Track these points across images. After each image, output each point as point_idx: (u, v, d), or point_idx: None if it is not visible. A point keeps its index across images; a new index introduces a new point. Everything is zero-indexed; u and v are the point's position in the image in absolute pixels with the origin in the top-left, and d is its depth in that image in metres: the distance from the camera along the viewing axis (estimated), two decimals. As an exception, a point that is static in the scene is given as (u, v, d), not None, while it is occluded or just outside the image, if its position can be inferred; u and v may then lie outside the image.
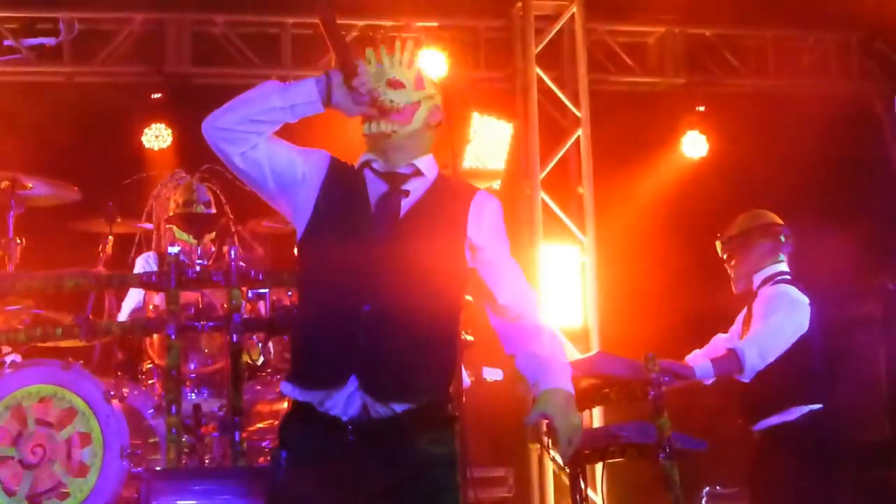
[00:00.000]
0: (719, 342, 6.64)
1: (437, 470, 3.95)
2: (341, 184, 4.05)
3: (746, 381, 6.24)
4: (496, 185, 9.46)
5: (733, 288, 6.75)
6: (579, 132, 10.50)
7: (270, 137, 4.02)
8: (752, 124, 10.71)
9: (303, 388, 3.94)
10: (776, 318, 6.34)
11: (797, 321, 6.36)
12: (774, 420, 6.37)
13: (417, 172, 4.08)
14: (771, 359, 6.22)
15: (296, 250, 4.11)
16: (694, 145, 10.99)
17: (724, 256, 6.76)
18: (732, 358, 6.23)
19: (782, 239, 6.69)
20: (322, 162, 4.09)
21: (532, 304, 4.18)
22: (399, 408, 3.87)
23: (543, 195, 10.36)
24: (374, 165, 4.08)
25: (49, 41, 10.29)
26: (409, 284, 3.91)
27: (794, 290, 6.45)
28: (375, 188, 4.05)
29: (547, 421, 3.98)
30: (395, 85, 4.07)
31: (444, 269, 4.01)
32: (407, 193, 4.04)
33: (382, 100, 4.03)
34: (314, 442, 3.91)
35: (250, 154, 3.98)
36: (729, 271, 6.75)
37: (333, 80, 3.96)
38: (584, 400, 6.49)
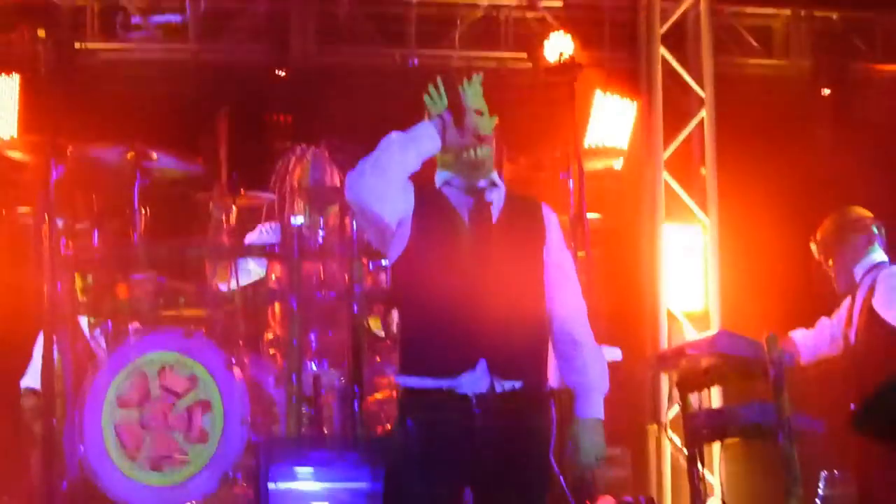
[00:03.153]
0: (824, 325, 6.63)
1: (540, 438, 4.61)
2: (429, 203, 4.55)
3: None
4: (618, 164, 9.39)
5: (836, 287, 6.72)
6: (703, 113, 10.41)
7: None
8: (878, 109, 10.52)
9: (433, 377, 4.43)
10: None
11: None
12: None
13: (493, 184, 4.63)
14: None
15: (392, 267, 4.65)
16: (818, 129, 10.81)
17: (821, 258, 6.75)
18: None
19: (874, 230, 6.67)
20: (408, 187, 4.53)
21: (583, 318, 4.71)
22: (518, 384, 4.45)
23: (666, 176, 10.28)
24: (455, 182, 4.61)
25: (175, 19, 10.41)
26: (512, 278, 4.49)
27: None
28: (460, 202, 4.58)
29: (575, 443, 4.62)
30: (480, 114, 4.61)
31: (536, 264, 4.59)
32: (491, 203, 4.59)
33: (478, 130, 4.55)
34: (440, 415, 4.42)
35: (394, 207, 4.47)
36: (828, 272, 6.73)
37: (447, 120, 4.51)
38: (704, 379, 6.46)
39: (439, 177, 4.65)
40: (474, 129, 4.54)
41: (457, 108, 4.53)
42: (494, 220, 4.56)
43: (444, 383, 4.40)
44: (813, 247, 6.83)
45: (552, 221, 4.70)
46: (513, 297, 4.46)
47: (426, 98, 4.65)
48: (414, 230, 4.50)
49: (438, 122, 4.52)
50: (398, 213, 4.47)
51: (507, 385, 4.42)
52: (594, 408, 4.63)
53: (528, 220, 4.65)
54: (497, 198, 4.62)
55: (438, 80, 4.62)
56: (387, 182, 4.40)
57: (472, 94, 4.61)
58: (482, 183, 4.60)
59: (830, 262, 6.74)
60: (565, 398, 6.57)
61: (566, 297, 4.65)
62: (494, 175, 4.66)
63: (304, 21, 10.51)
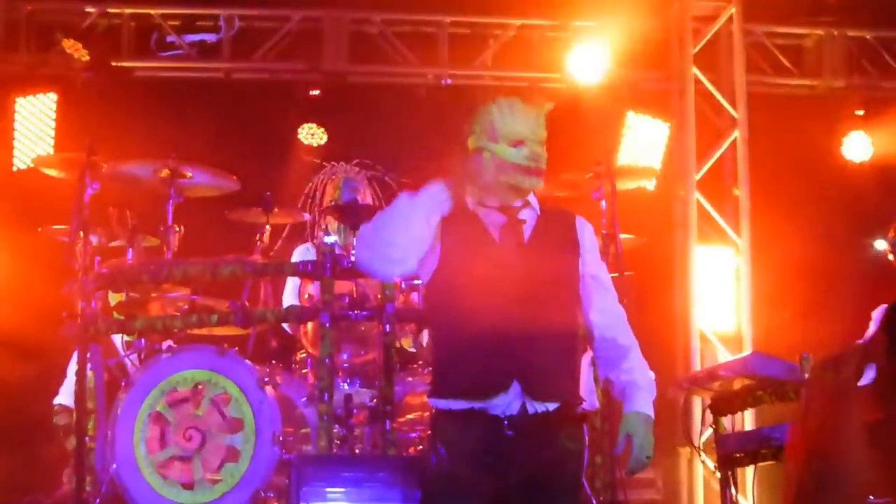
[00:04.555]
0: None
1: (572, 461, 4.49)
2: (460, 222, 4.45)
3: None
4: (650, 184, 9.39)
5: None
6: (736, 133, 10.38)
7: None
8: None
9: (465, 398, 4.37)
10: None
11: None
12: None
13: (527, 203, 4.54)
14: None
15: (426, 287, 4.63)
16: (856, 148, 10.77)
17: (892, 257, 6.62)
18: None
19: None
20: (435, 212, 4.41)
21: (625, 324, 4.62)
22: (551, 406, 4.37)
23: (699, 196, 10.25)
24: (489, 202, 4.50)
25: (209, 37, 10.47)
26: (545, 298, 4.40)
27: None
28: (491, 220, 4.49)
29: (628, 439, 4.44)
30: (542, 143, 4.52)
31: (568, 283, 4.52)
32: (524, 221, 4.50)
33: (538, 163, 4.48)
34: (472, 436, 4.36)
35: (410, 258, 4.40)
36: None
37: (492, 152, 4.44)
38: (737, 401, 6.44)
39: (472, 200, 4.54)
40: (534, 159, 4.46)
41: (516, 136, 4.44)
42: (526, 238, 4.48)
43: (475, 405, 4.34)
44: (884, 244, 6.67)
45: (586, 233, 4.61)
46: (546, 317, 4.37)
47: (483, 118, 4.55)
48: (444, 250, 4.43)
49: (443, 187, 4.38)
50: (418, 256, 4.40)
51: (540, 407, 4.35)
52: (645, 405, 4.48)
53: (561, 236, 4.55)
54: (530, 216, 4.53)
55: (500, 104, 4.52)
56: (395, 249, 4.35)
57: (538, 123, 4.51)
58: (517, 203, 4.52)
59: None
60: (595, 420, 6.61)
61: (606, 305, 4.57)
62: (531, 196, 4.57)
63: (336, 40, 10.54)
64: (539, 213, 4.55)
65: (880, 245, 6.66)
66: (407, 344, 7.01)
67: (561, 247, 4.53)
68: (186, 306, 6.91)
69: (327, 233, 7.24)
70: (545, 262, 4.44)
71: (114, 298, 7.14)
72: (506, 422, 4.34)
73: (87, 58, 9.66)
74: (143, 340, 6.88)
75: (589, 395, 6.68)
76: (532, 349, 4.33)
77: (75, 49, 9.67)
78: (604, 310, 4.57)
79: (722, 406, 6.44)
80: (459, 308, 4.37)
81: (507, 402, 4.33)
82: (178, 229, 7.13)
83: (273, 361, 7.04)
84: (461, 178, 4.45)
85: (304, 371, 7.07)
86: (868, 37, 11.06)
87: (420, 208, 4.34)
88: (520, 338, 4.31)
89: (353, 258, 6.41)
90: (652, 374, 4.60)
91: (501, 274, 4.37)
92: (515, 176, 4.45)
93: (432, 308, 4.64)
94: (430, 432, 4.56)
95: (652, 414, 4.48)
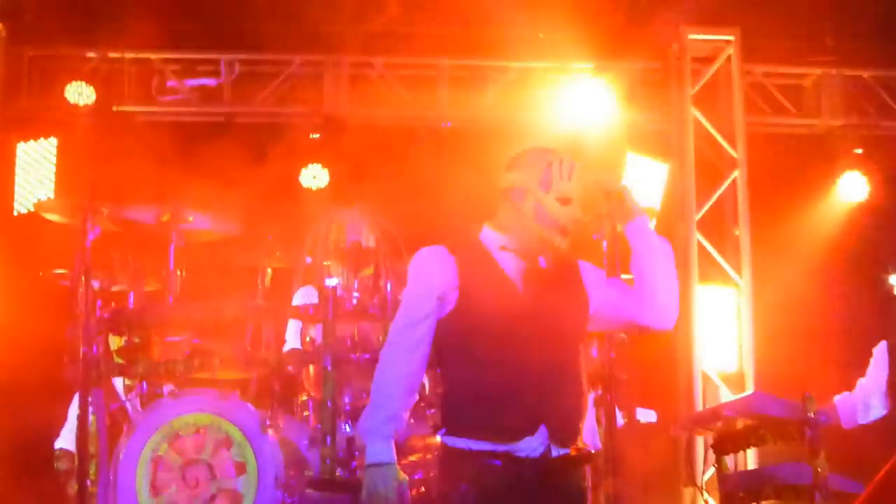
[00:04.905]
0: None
1: (585, 497, 4.61)
2: (478, 266, 4.52)
3: None
4: (651, 225, 9.39)
5: None
6: (736, 173, 10.42)
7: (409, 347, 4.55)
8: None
9: (490, 440, 4.40)
10: None
11: None
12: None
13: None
14: None
15: (439, 325, 4.56)
16: (852, 188, 10.79)
17: None
18: None
19: None
20: (446, 268, 4.50)
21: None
22: (571, 449, 4.47)
23: (699, 236, 10.28)
24: (511, 246, 4.55)
25: (210, 82, 10.51)
26: (565, 341, 4.54)
27: None
28: (511, 266, 4.54)
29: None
30: (570, 202, 4.52)
31: (581, 327, 4.66)
32: (545, 269, 4.59)
33: (574, 227, 4.54)
34: (493, 476, 4.39)
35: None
36: None
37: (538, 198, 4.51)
38: (740, 440, 6.43)
39: (493, 237, 4.59)
40: (573, 222, 4.52)
41: (566, 195, 4.48)
42: (546, 283, 4.57)
43: (500, 447, 4.39)
44: (893, 280, 6.72)
45: (588, 273, 4.68)
46: (566, 362, 4.51)
47: (537, 162, 4.56)
48: (464, 292, 4.47)
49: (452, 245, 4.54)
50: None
51: (562, 450, 4.44)
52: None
53: (570, 278, 4.64)
54: (548, 260, 4.62)
55: (562, 158, 4.54)
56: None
57: (584, 191, 4.54)
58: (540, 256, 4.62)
59: None
60: (598, 461, 6.60)
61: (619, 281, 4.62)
62: None
63: (337, 83, 10.58)
64: (549, 261, 4.62)
65: (893, 280, 6.70)
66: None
67: (573, 290, 4.61)
68: (188, 350, 6.89)
69: (329, 275, 7.23)
70: (563, 306, 4.54)
71: (114, 343, 7.13)
72: (529, 464, 4.40)
73: (94, 98, 9.70)
74: (144, 384, 6.86)
75: (592, 436, 6.69)
76: (557, 394, 4.44)
77: (81, 92, 9.71)
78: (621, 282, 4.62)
79: (725, 445, 6.43)
80: (483, 350, 4.43)
81: (534, 445, 4.40)
82: (179, 273, 7.13)
83: (275, 405, 7.01)
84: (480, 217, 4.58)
85: (305, 414, 7.05)
86: (865, 76, 11.10)
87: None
88: (546, 383, 4.42)
89: (354, 301, 6.45)
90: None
91: (526, 318, 4.44)
92: (552, 232, 4.50)
93: (448, 347, 4.59)
94: (444, 473, 4.59)
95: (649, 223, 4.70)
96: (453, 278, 4.47)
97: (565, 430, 4.46)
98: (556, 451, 4.42)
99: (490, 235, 4.59)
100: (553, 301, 4.51)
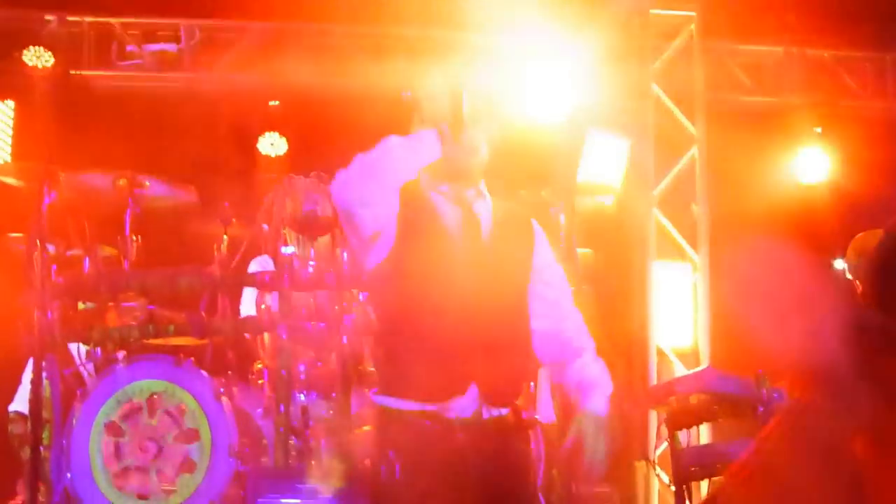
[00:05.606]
0: None
1: (528, 470, 4.46)
2: (415, 208, 4.33)
3: None
4: (608, 201, 9.42)
5: None
6: (694, 150, 10.43)
7: None
8: (869, 146, 10.55)
9: (418, 400, 4.22)
10: None
11: None
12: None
13: (480, 194, 4.47)
14: None
15: (370, 273, 4.41)
16: (811, 167, 10.84)
17: (850, 276, 6.68)
18: None
19: None
20: (395, 193, 4.28)
21: (582, 326, 4.56)
22: (504, 411, 4.29)
23: (657, 213, 10.29)
24: (442, 189, 4.42)
25: (170, 47, 10.45)
26: (503, 299, 4.31)
27: None
28: (447, 212, 4.39)
29: (578, 439, 4.24)
30: (476, 125, 4.38)
31: (523, 285, 4.45)
32: (480, 216, 4.41)
33: (473, 142, 4.38)
34: (423, 441, 4.21)
35: (378, 213, 4.25)
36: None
37: (446, 133, 4.29)
38: (692, 416, 6.47)
39: (425, 179, 4.42)
40: (472, 142, 4.36)
41: (458, 124, 4.31)
42: (484, 235, 4.38)
43: (429, 407, 4.21)
44: (845, 265, 6.72)
45: (541, 237, 4.55)
46: (504, 319, 4.29)
47: (424, 100, 4.53)
48: (399, 236, 4.29)
49: (436, 134, 4.31)
50: (381, 221, 4.24)
51: (494, 412, 4.25)
52: (597, 403, 4.29)
53: (518, 235, 4.49)
54: (485, 210, 4.43)
55: (437, 84, 4.51)
56: (378, 188, 4.19)
57: (476, 103, 4.39)
58: (470, 192, 4.44)
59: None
60: (552, 433, 6.62)
61: (563, 309, 4.51)
62: (482, 184, 4.50)
63: (297, 51, 10.53)
64: (492, 207, 4.46)
65: (839, 265, 6.72)
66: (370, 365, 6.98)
67: (518, 247, 4.47)
68: (143, 316, 6.87)
69: (285, 244, 7.21)
70: (504, 261, 4.38)
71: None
72: (458, 425, 4.21)
73: (52, 62, 9.63)
74: (98, 350, 6.83)
75: (546, 407, 6.69)
76: (491, 353, 4.21)
77: (39, 56, 9.64)
78: (563, 315, 4.50)
79: (677, 421, 6.46)
80: (415, 302, 4.25)
81: (463, 406, 4.21)
82: (135, 239, 7.10)
83: (229, 373, 7.01)
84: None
85: (260, 382, 7.04)
86: (826, 55, 11.14)
87: (413, 151, 4.29)
88: (478, 340, 4.20)
89: (310, 269, 6.43)
90: (605, 368, 4.45)
91: (461, 272, 4.26)
92: (460, 155, 4.36)
93: (382, 296, 4.46)
94: (376, 437, 4.39)
95: (604, 413, 4.27)
96: (396, 204, 4.28)
97: (497, 391, 4.26)
98: (487, 413, 4.23)
99: (426, 178, 4.43)
100: (492, 254, 4.36)
